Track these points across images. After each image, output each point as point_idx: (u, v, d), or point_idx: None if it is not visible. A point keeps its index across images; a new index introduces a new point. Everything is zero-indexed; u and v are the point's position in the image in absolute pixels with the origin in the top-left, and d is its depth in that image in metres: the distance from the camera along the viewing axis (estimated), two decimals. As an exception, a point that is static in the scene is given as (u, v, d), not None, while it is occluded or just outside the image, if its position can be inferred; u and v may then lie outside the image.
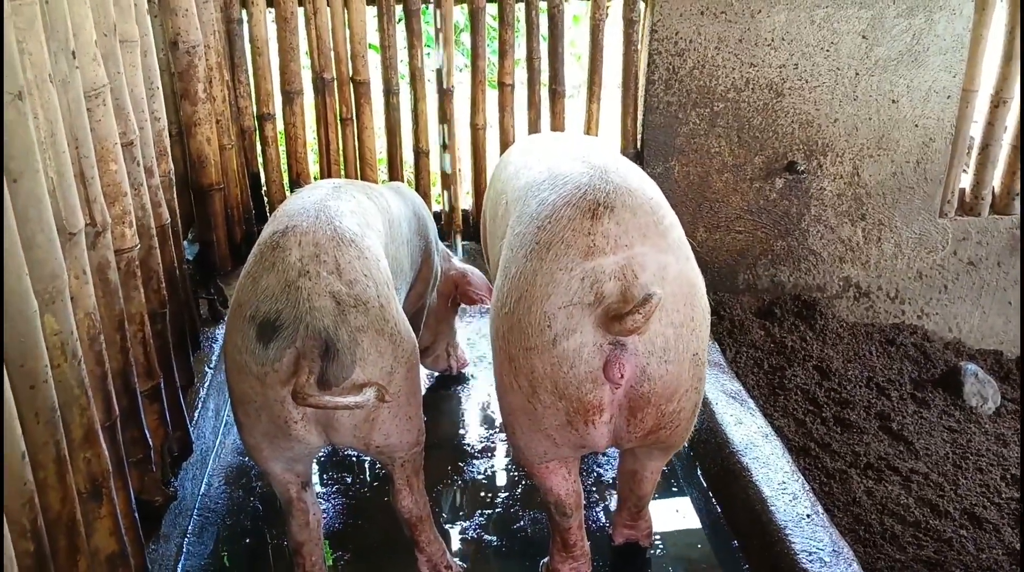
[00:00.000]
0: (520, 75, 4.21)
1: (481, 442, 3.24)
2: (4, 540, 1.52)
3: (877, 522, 3.14)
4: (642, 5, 4.10)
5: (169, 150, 2.88)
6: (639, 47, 4.18)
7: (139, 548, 2.32)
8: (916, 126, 4.31)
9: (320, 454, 3.17)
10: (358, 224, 2.36)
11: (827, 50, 4.14)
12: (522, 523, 2.85)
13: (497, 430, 3.27)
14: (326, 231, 2.23)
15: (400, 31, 4.08)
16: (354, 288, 2.16)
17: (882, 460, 3.51)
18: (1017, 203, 4.49)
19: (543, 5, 4.08)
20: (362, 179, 4.13)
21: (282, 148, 4.21)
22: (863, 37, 4.12)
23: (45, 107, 1.81)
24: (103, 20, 2.24)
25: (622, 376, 2.01)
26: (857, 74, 4.19)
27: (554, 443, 2.19)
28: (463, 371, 3.66)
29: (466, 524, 2.85)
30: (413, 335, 2.33)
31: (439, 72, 4.04)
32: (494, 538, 2.80)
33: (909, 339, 4.46)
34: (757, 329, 4.36)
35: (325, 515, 2.87)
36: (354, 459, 3.14)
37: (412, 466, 2.43)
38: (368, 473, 3.08)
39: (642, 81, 4.21)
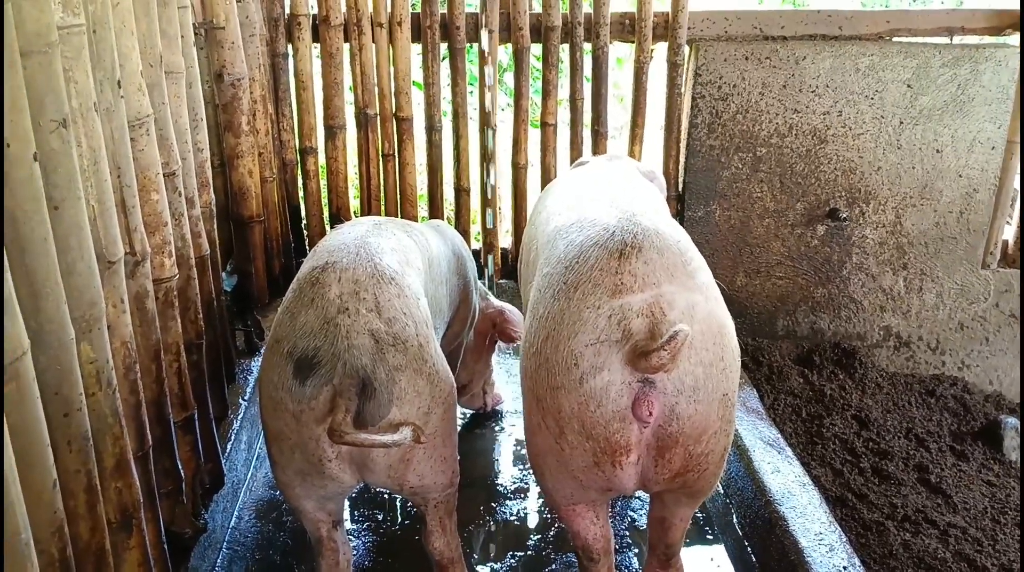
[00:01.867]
0: (563, 115, 4.22)
1: (514, 482, 3.20)
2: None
3: (916, 577, 3.05)
4: (686, 49, 4.10)
5: (211, 181, 2.90)
6: (683, 90, 4.17)
7: (166, 580, 2.31)
8: (960, 176, 4.25)
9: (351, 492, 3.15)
10: (398, 262, 2.35)
11: (871, 98, 4.11)
12: (554, 566, 2.80)
13: (530, 470, 3.22)
14: (366, 268, 2.22)
15: (444, 69, 4.11)
16: (393, 326, 2.14)
17: (920, 513, 3.42)
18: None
19: (587, 46, 4.09)
20: (402, 215, 4.15)
21: (323, 182, 4.23)
22: (908, 86, 4.09)
23: (89, 135, 1.82)
24: (149, 51, 2.27)
25: (651, 414, 1.97)
26: (901, 122, 4.15)
27: (581, 485, 2.16)
28: (498, 409, 3.63)
29: (497, 566, 2.81)
30: (451, 375, 2.31)
31: (482, 111, 4.06)
32: (524, 581, 2.75)
33: (949, 391, 4.36)
34: (796, 376, 4.29)
35: (355, 552, 2.84)
36: (386, 496, 3.11)
37: (445, 507, 2.40)
38: (399, 511, 3.05)
39: (685, 124, 4.20)
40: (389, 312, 2.15)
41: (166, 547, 2.30)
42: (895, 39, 4.12)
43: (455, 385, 2.32)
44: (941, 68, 4.08)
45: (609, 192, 2.51)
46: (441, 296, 2.78)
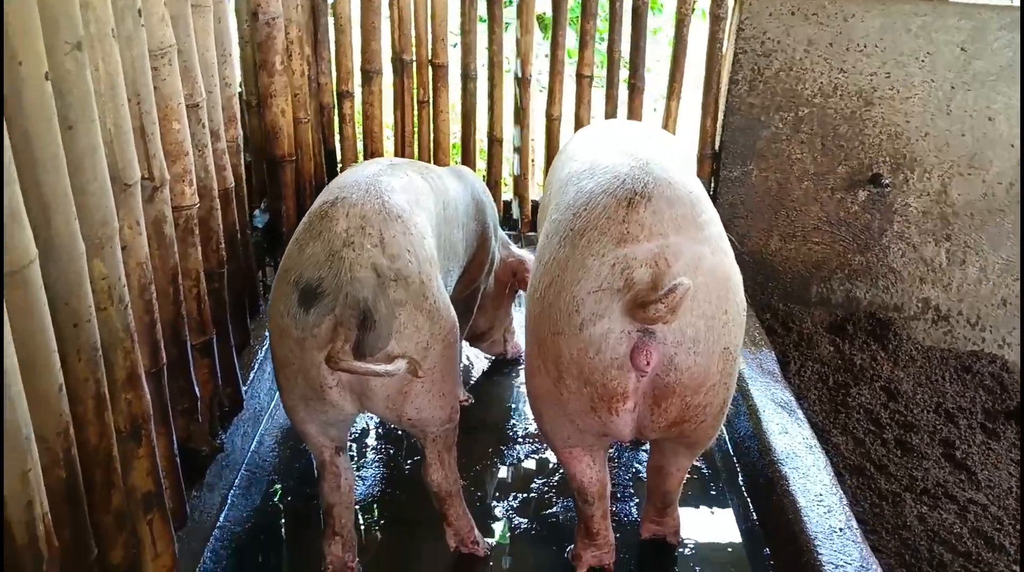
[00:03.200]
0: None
1: (524, 428, 3.26)
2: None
3: (926, 549, 3.03)
4: (730, 2, 4.05)
5: (239, 117, 2.97)
6: (724, 45, 4.12)
7: (178, 492, 2.41)
8: (1012, 146, 4.13)
9: (364, 425, 3.24)
10: (407, 201, 2.40)
11: (922, 60, 4.01)
12: (554, 510, 2.86)
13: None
14: (374, 205, 2.28)
15: (481, 15, 4.11)
16: (396, 262, 2.20)
17: (940, 487, 3.39)
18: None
19: (628, -2, 4.06)
20: (435, 162, 4.19)
21: (359, 126, 4.29)
22: (962, 49, 3.98)
23: (106, 60, 1.89)
24: (174, -18, 2.33)
25: (648, 364, 1.99)
26: (953, 87, 4.05)
27: (577, 429, 2.20)
28: (520, 357, 3.69)
29: (499, 505, 2.88)
30: (454, 314, 2.36)
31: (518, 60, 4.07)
32: (525, 521, 2.81)
33: (987, 368, 4.29)
34: (826, 344, 4.26)
35: (364, 482, 2.93)
36: (399, 432, 3.19)
37: (444, 442, 2.46)
38: (411, 447, 3.13)
39: (725, 80, 4.15)
40: (393, 248, 2.21)
41: (179, 461, 2.40)
42: None
43: (457, 324, 2.37)
44: (999, 31, 3.95)
45: (626, 140, 2.51)
46: (456, 239, 2.82)
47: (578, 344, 2.03)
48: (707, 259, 2.03)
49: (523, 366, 3.59)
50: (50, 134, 1.68)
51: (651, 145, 2.46)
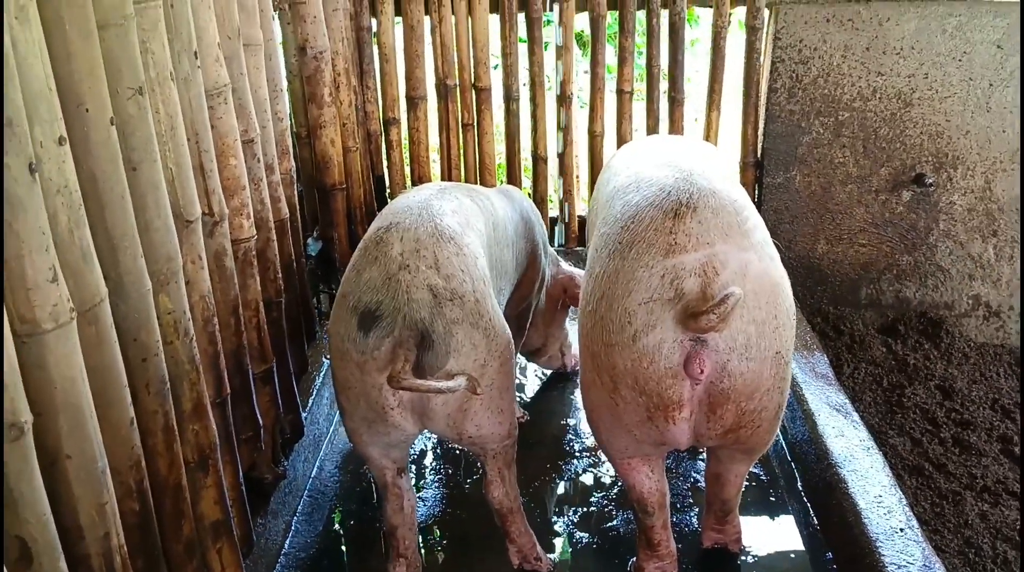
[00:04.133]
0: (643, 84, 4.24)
1: (581, 442, 3.29)
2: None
3: (989, 546, 3.01)
4: (766, 12, 4.07)
5: (291, 149, 3.05)
6: (762, 54, 4.14)
7: (244, 520, 2.48)
8: (1056, 139, 4.10)
9: (428, 445, 3.29)
10: (459, 223, 2.46)
11: (959, 59, 4.00)
12: (615, 523, 2.88)
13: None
14: (427, 228, 2.34)
15: (522, 37, 4.18)
16: (451, 282, 2.25)
17: (1000, 484, 3.36)
18: None
19: (664, 13, 4.10)
20: (481, 183, 4.25)
21: (406, 152, 4.36)
22: (998, 47, 3.96)
23: (166, 103, 1.97)
24: (227, 23, 2.41)
25: (702, 372, 2.02)
26: (991, 85, 4.03)
27: (635, 439, 2.22)
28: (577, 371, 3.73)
29: (560, 520, 2.90)
30: (508, 332, 2.40)
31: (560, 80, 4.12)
32: (586, 535, 2.83)
33: (1042, 362, 4.24)
34: (879, 346, 4.24)
35: (426, 503, 2.98)
36: (457, 451, 3.24)
37: (504, 458, 2.50)
38: (470, 465, 3.17)
39: (764, 89, 4.17)
40: (447, 269, 2.26)
41: (244, 489, 2.47)
42: (985, -1, 4.00)
43: (512, 341, 2.41)
44: (1035, 27, 3.93)
45: (668, 153, 2.54)
46: (506, 258, 2.87)
47: (632, 355, 2.06)
48: (754, 265, 2.06)
49: (575, 380, 3.65)
50: (116, 175, 1.77)
51: (693, 156, 2.49)
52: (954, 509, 3.23)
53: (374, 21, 4.09)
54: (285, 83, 3.31)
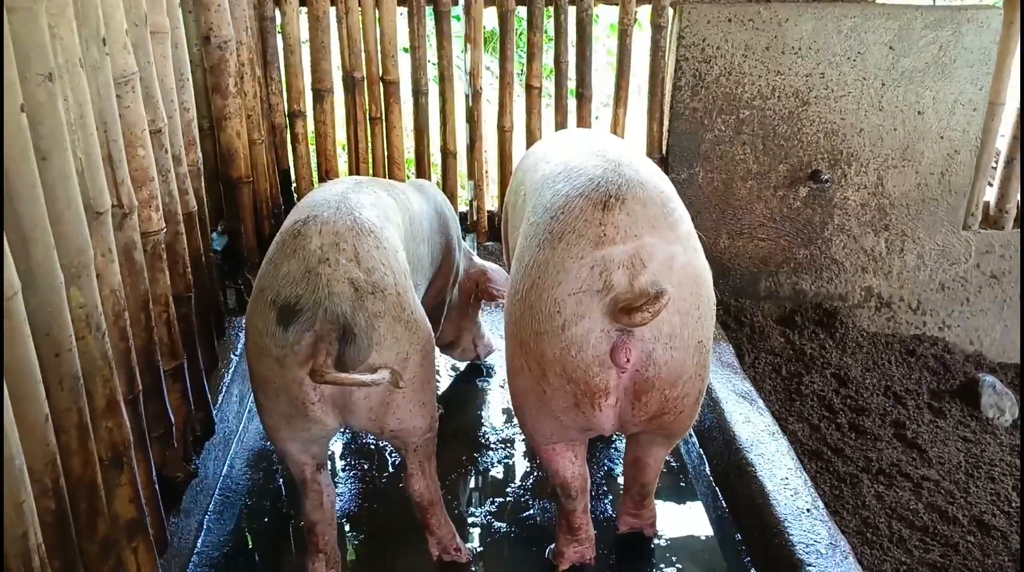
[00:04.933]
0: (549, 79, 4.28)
1: (496, 434, 3.31)
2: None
3: (885, 525, 3.16)
4: (670, 11, 4.16)
5: (198, 141, 2.98)
6: (666, 53, 4.23)
7: (159, 519, 2.41)
8: (941, 138, 4.32)
9: (340, 440, 3.26)
10: (377, 217, 2.44)
11: (853, 60, 4.17)
12: (532, 512, 2.91)
13: (512, 423, 3.33)
14: (346, 221, 2.31)
15: (430, 31, 4.17)
16: (372, 276, 2.23)
17: (894, 466, 3.52)
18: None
19: (572, 9, 4.15)
20: (390, 178, 4.22)
21: (312, 145, 4.31)
22: (890, 48, 4.15)
23: (75, 90, 1.90)
24: (134, 10, 2.34)
25: (628, 361, 2.07)
26: (883, 84, 4.21)
27: (561, 425, 2.25)
28: (485, 364, 3.74)
29: (478, 511, 2.92)
30: (429, 325, 2.40)
31: (468, 74, 4.13)
32: (504, 525, 2.86)
33: (929, 350, 4.46)
34: (777, 336, 4.39)
35: (342, 498, 2.95)
36: (372, 446, 3.22)
37: (424, 451, 2.50)
38: (385, 459, 3.15)
39: (668, 87, 4.26)
40: (368, 262, 2.25)
41: (157, 488, 2.40)
42: (878, 1, 4.17)
43: (432, 334, 2.41)
44: (923, 30, 4.13)
45: (595, 142, 2.56)
46: (423, 253, 2.87)
47: (560, 343, 2.09)
48: (680, 258, 2.11)
49: (488, 373, 3.67)
50: (26, 165, 1.70)
51: (621, 147, 2.51)
52: (852, 491, 3.37)
53: (278, 11, 4.02)
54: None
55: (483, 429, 3.35)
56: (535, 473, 3.08)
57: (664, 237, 2.10)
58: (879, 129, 4.29)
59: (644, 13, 4.27)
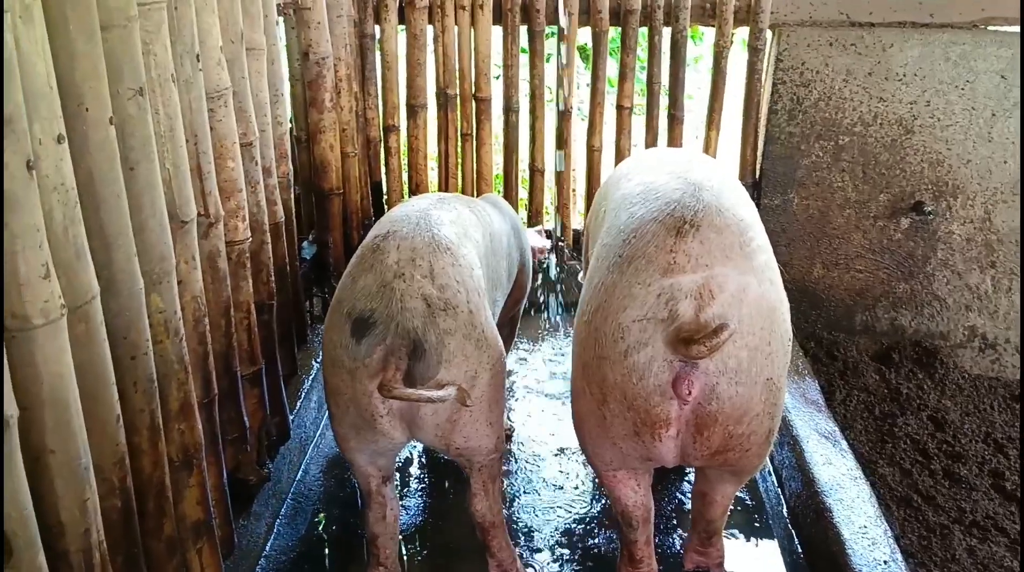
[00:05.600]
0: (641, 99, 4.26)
1: (564, 460, 3.28)
2: None
3: (974, 581, 3.01)
4: (768, 34, 4.08)
5: (290, 154, 3.06)
6: (763, 76, 4.15)
7: (227, 521, 2.47)
8: (1057, 172, 4.11)
9: (408, 455, 3.29)
10: (456, 234, 2.46)
11: (962, 88, 4.01)
12: (597, 540, 2.87)
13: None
14: (424, 238, 2.34)
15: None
16: (445, 292, 2.25)
17: (989, 519, 3.35)
18: None
19: (667, 30, 4.11)
20: (478, 193, 4.25)
21: (404, 159, 4.37)
22: (1002, 77, 3.98)
23: (166, 104, 1.97)
24: (231, 28, 2.42)
25: (690, 393, 2.02)
26: (994, 114, 4.04)
27: (621, 452, 2.22)
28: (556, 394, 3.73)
29: (541, 535, 2.90)
30: (501, 344, 2.41)
31: (559, 92, 4.13)
32: (567, 551, 2.83)
33: (1035, 396, 4.24)
34: (872, 373, 4.24)
35: (407, 513, 2.97)
36: (440, 462, 3.23)
37: (489, 472, 2.49)
38: (452, 477, 3.16)
39: (764, 110, 4.18)
40: (442, 279, 2.27)
41: (228, 490, 2.46)
42: (990, 27, 4.01)
43: (503, 354, 2.41)
44: (1039, 60, 3.95)
45: (680, 162, 2.49)
46: (501, 269, 2.88)
47: (622, 370, 2.06)
48: (752, 289, 2.05)
49: (562, 396, 3.64)
50: (113, 174, 1.77)
51: (705, 168, 2.43)
52: (941, 543, 3.22)
53: (378, 28, 4.10)
54: (287, 87, 3.32)
55: (552, 452, 3.33)
56: (603, 500, 3.04)
57: (737, 267, 2.05)
58: (988, 161, 4.11)
59: (742, 35, 4.20)
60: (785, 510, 3.02)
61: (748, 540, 2.94)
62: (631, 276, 2.08)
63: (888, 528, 2.65)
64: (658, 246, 2.08)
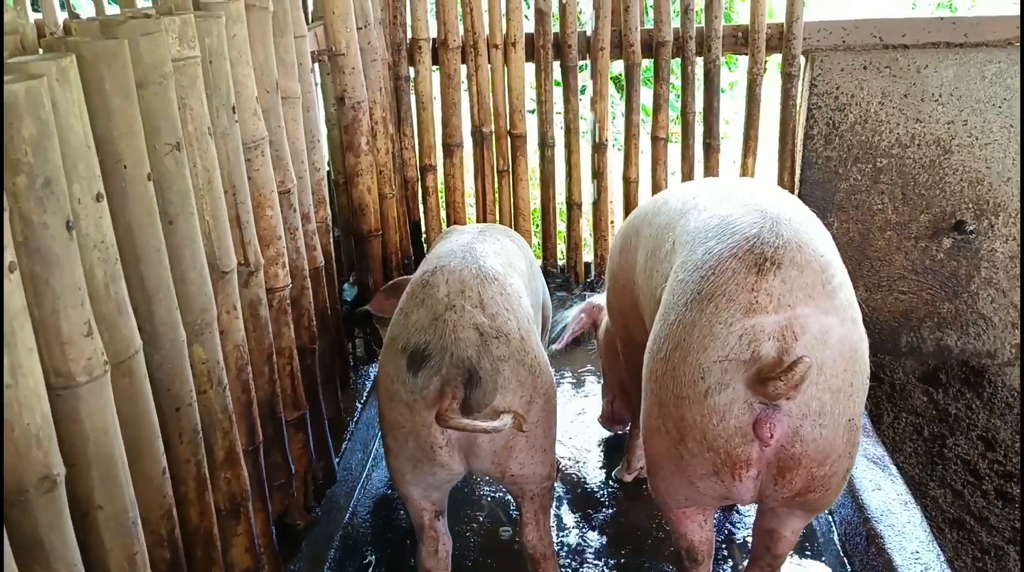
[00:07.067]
0: (677, 129, 4.27)
1: (612, 492, 3.26)
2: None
3: (1033, 605, 2.94)
4: (802, 59, 4.07)
5: (327, 198, 3.10)
6: (798, 101, 4.14)
7: (275, 567, 2.49)
8: (1101, 186, 4.04)
9: (462, 494, 3.28)
10: (501, 264, 2.52)
11: (999, 106, 3.97)
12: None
13: (632, 481, 3.28)
14: (471, 270, 2.39)
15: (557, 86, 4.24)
16: (496, 321, 2.29)
17: (1045, 540, 3.28)
18: None
19: (699, 60, 4.12)
20: (516, 228, 4.28)
21: (442, 198, 4.42)
22: (1039, 93, 3.94)
23: (203, 157, 2.01)
24: (266, 78, 2.47)
25: (772, 436, 1.98)
26: (1033, 131, 3.99)
27: (697, 491, 2.19)
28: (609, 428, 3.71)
29: (593, 570, 2.88)
30: (551, 371, 2.43)
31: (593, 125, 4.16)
32: (615, 587, 2.81)
33: (1088, 413, 4.14)
34: (919, 395, 4.18)
35: (459, 550, 2.96)
36: (489, 498, 3.23)
37: (541, 501, 2.50)
38: (502, 515, 3.15)
39: (800, 135, 4.17)
40: (492, 308, 2.31)
41: (275, 536, 2.48)
42: (1025, 45, 3.97)
43: (554, 380, 2.43)
44: (1078, 74, 3.90)
45: (753, 193, 2.38)
46: (539, 293, 2.95)
47: (702, 411, 2.03)
48: (835, 331, 1.99)
49: (601, 427, 3.61)
50: (152, 229, 1.81)
51: (781, 199, 2.34)
52: (996, 564, 3.16)
53: (412, 70, 4.16)
54: (324, 131, 3.37)
55: (602, 485, 3.31)
56: (655, 534, 3.01)
57: (820, 307, 1.99)
58: (1029, 178, 4.06)
59: (776, 61, 4.19)
60: (836, 537, 2.97)
61: (801, 567, 2.89)
62: (711, 315, 2.02)
63: (940, 552, 2.60)
64: (739, 284, 2.02)
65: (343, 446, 3.22)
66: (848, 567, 2.83)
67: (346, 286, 3.76)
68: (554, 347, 3.63)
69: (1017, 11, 3.98)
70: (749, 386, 1.96)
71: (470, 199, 4.74)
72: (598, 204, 4.32)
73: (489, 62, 4.11)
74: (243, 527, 2.23)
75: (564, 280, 4.48)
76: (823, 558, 2.93)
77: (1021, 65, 3.90)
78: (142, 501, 1.76)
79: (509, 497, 3.14)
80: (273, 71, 2.53)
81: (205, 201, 2.05)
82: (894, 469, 3.03)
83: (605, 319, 3.37)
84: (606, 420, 3.56)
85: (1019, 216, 4.13)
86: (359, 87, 3.41)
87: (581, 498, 3.24)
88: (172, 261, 1.89)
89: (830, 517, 3.05)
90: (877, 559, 2.61)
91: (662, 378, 2.12)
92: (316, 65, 3.30)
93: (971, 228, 4.13)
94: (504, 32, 4.09)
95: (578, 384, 4.02)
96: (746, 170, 4.24)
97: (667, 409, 2.11)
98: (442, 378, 2.19)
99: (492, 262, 2.47)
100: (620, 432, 3.52)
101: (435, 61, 4.17)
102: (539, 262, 3.31)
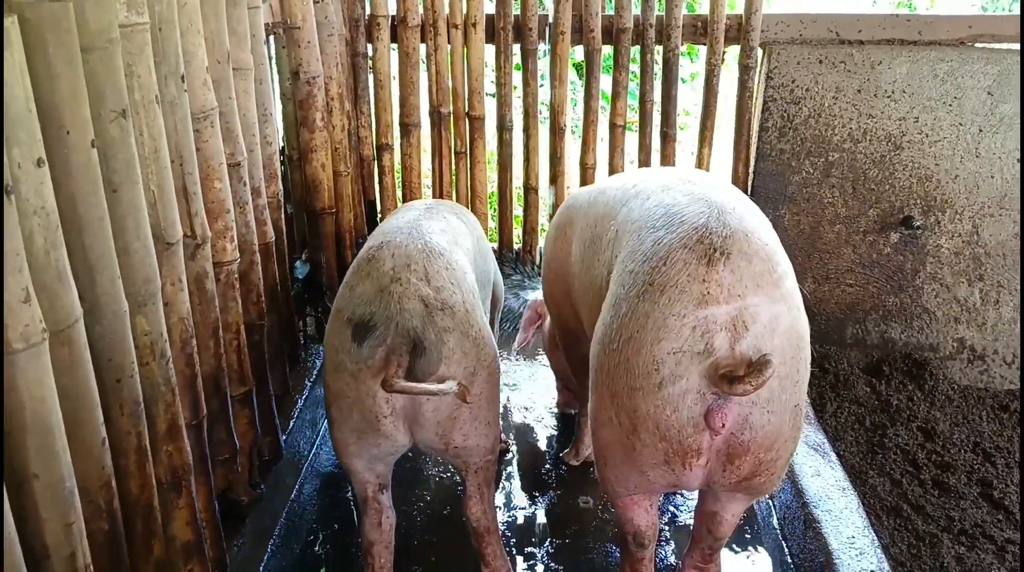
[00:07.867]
0: (633, 117, 4.29)
1: (557, 473, 3.29)
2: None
3: (964, 591, 3.01)
4: (759, 52, 4.11)
5: (280, 174, 3.07)
6: (754, 93, 4.18)
7: (217, 541, 2.47)
8: (1044, 186, 4.13)
9: (403, 469, 3.29)
10: (447, 241, 2.55)
11: (949, 104, 4.04)
12: (592, 555, 2.88)
13: (577, 464, 3.30)
14: (417, 245, 2.42)
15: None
16: (441, 293, 2.32)
17: (978, 528, 3.36)
18: None
19: (658, 48, 4.14)
20: (472, 210, 4.27)
21: (398, 177, 4.40)
22: (988, 93, 4.00)
23: (150, 126, 1.99)
24: (217, 48, 2.44)
25: (724, 425, 2.01)
26: (981, 130, 4.06)
27: (647, 479, 2.21)
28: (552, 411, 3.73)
29: (537, 551, 2.90)
30: (495, 344, 2.46)
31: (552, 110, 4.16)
32: (562, 567, 2.83)
33: (1025, 407, 4.24)
34: (863, 385, 4.25)
35: (402, 527, 2.96)
36: (435, 478, 3.24)
37: (484, 474, 2.53)
38: (445, 492, 3.17)
39: (755, 127, 4.20)
40: (437, 281, 2.34)
41: (217, 511, 2.47)
42: (977, 45, 4.04)
43: (498, 353, 2.46)
44: (1025, 75, 3.98)
45: (694, 182, 2.41)
46: (489, 270, 3.01)
47: (656, 401, 2.05)
48: (783, 319, 2.03)
49: (554, 411, 3.64)
50: (95, 198, 1.78)
51: (723, 189, 2.37)
52: (930, 551, 3.23)
53: (370, 47, 4.13)
54: (278, 106, 3.34)
55: (546, 466, 3.33)
56: (599, 515, 3.04)
57: (769, 296, 2.02)
58: (975, 176, 4.13)
59: (733, 53, 4.23)
60: (775, 521, 3.02)
61: (739, 552, 2.95)
62: (664, 307, 2.04)
63: (875, 538, 2.66)
64: (691, 275, 2.04)
65: (291, 423, 3.20)
66: (786, 550, 2.88)
67: (298, 263, 3.73)
68: (514, 348, 3.68)
69: (970, 11, 4.05)
70: (707, 379, 1.99)
71: (427, 180, 4.73)
72: (555, 189, 4.33)
73: (449, 42, 4.09)
74: (184, 501, 2.22)
75: (519, 264, 4.50)
76: (762, 541, 2.99)
77: (1021, 65, 3.95)
78: (80, 472, 1.74)
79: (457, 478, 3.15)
80: (225, 41, 2.50)
81: (151, 171, 2.03)
82: (834, 456, 3.09)
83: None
84: (561, 407, 3.63)
85: (1019, 213, 4.19)
86: (314, 62, 3.38)
87: (529, 479, 3.27)
88: (115, 230, 1.87)
89: (770, 502, 3.10)
90: (814, 543, 2.66)
91: (614, 369, 2.14)
92: (271, 38, 3.27)
93: (918, 224, 4.20)
94: (464, 12, 4.07)
95: (530, 366, 4.04)
96: (702, 160, 4.27)
97: (620, 400, 2.12)
98: (387, 348, 2.22)
99: (438, 239, 2.51)
100: (574, 412, 3.56)
101: (394, 39, 4.14)
102: (494, 244, 3.32)
